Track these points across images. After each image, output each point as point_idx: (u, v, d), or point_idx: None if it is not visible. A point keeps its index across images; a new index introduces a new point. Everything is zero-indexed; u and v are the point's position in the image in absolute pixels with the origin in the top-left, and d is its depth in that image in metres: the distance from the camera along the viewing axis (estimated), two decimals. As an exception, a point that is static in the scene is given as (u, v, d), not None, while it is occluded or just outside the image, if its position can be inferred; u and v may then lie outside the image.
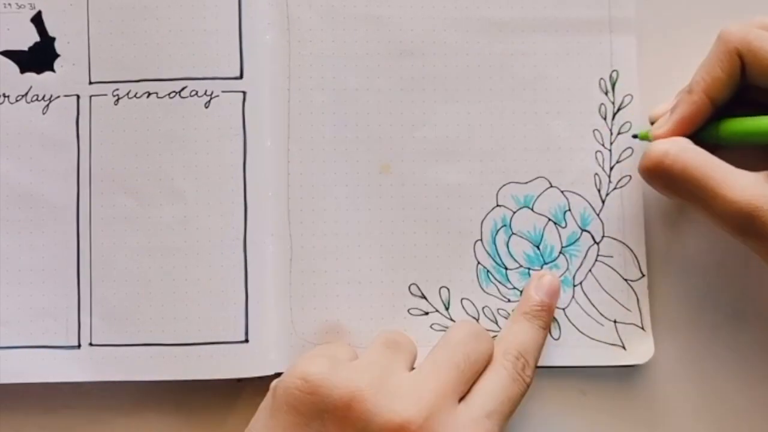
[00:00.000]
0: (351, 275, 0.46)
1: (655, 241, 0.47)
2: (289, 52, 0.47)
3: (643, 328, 0.46)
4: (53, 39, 0.47)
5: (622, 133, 0.47)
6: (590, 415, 0.47)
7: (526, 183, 0.47)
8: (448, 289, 0.46)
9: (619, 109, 0.47)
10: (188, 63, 0.46)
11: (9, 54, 0.47)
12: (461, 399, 0.41)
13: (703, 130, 0.43)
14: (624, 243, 0.47)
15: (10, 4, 0.47)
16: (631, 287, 0.46)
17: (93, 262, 0.46)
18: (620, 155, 0.47)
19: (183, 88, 0.46)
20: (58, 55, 0.47)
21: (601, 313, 0.46)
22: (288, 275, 0.46)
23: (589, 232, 0.47)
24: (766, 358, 0.47)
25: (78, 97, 0.46)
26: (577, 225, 0.47)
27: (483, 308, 0.46)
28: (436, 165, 0.47)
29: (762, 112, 0.42)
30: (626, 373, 0.47)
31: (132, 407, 0.46)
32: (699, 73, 0.43)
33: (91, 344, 0.45)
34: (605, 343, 0.46)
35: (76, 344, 0.45)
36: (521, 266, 0.47)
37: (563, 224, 0.47)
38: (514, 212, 0.47)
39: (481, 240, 0.47)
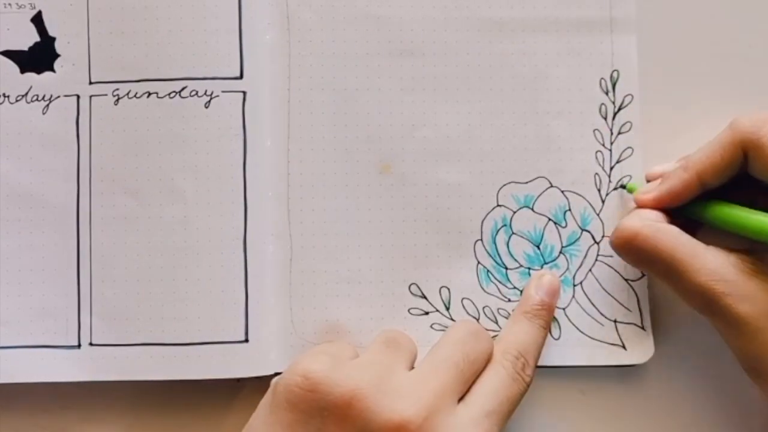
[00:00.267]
0: (351, 275, 0.46)
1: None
2: (289, 52, 0.47)
3: (643, 328, 0.46)
4: (53, 39, 0.47)
5: (623, 132, 0.47)
6: (590, 415, 0.47)
7: (527, 183, 0.47)
8: (449, 289, 0.46)
9: (619, 109, 0.47)
10: (188, 63, 0.46)
11: (9, 54, 0.47)
12: (461, 399, 0.41)
13: (689, 206, 0.44)
14: (624, 243, 0.46)
15: (10, 4, 0.47)
16: (631, 287, 0.46)
17: (93, 262, 0.46)
18: (620, 155, 0.47)
19: (183, 88, 0.46)
20: (58, 55, 0.47)
21: (601, 313, 0.46)
22: (288, 275, 0.46)
23: (589, 231, 0.47)
24: (767, 358, 0.47)
25: (78, 97, 0.46)
26: (578, 225, 0.47)
27: (483, 308, 0.46)
28: (436, 165, 0.47)
29: (759, 201, 0.43)
30: (626, 372, 0.47)
31: (132, 407, 0.46)
32: (699, 153, 0.43)
33: (91, 344, 0.45)
34: (605, 342, 0.46)
35: (76, 344, 0.45)
36: (521, 266, 0.47)
37: (563, 224, 0.47)
38: (515, 212, 0.47)
39: (481, 240, 0.47)
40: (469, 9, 0.47)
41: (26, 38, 0.47)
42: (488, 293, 0.46)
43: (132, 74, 0.46)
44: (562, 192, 0.47)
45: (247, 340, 0.45)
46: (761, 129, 0.41)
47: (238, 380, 0.46)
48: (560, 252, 0.47)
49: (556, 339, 0.46)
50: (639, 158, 0.47)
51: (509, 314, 0.46)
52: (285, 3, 0.47)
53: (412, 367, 0.43)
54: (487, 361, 0.42)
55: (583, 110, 0.47)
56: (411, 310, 0.46)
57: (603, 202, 0.47)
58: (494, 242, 0.47)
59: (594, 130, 0.47)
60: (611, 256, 0.46)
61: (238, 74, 0.46)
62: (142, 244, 0.46)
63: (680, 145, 0.46)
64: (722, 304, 0.41)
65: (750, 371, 0.42)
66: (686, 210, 0.44)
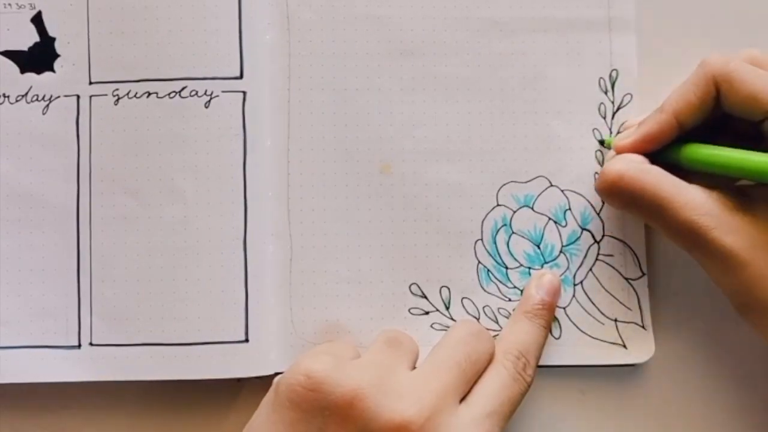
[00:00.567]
0: (351, 275, 0.46)
1: (656, 239, 0.47)
2: (289, 52, 0.47)
3: (643, 327, 0.46)
4: (53, 39, 0.47)
5: (622, 132, 0.47)
6: (590, 415, 0.47)
7: (527, 182, 0.47)
8: (449, 289, 0.46)
9: (618, 108, 0.47)
10: (188, 63, 0.46)
11: (9, 54, 0.47)
12: (462, 399, 0.41)
13: (665, 150, 0.44)
14: (624, 242, 0.47)
15: (10, 4, 0.47)
16: (632, 286, 0.46)
17: (93, 261, 0.46)
18: (620, 154, 0.47)
19: (183, 88, 0.46)
20: (58, 55, 0.47)
21: (601, 312, 0.46)
22: (288, 275, 0.46)
23: (589, 231, 0.47)
24: (766, 357, 0.47)
25: (78, 97, 0.46)
26: (578, 224, 0.47)
27: (484, 307, 0.46)
28: (436, 164, 0.47)
29: (741, 142, 0.43)
30: (626, 372, 0.47)
31: (132, 407, 0.46)
32: (672, 95, 0.43)
33: (91, 344, 0.45)
34: (606, 342, 0.46)
35: (76, 344, 0.45)
36: (522, 265, 0.47)
37: (564, 223, 0.47)
38: (515, 211, 0.47)
39: (481, 239, 0.47)
40: (468, 9, 0.47)
41: (26, 38, 0.47)
42: (488, 293, 0.46)
43: (132, 74, 0.46)
44: (562, 191, 0.47)
45: (247, 340, 0.45)
46: (729, 63, 0.42)
47: (238, 380, 0.46)
48: (560, 251, 0.47)
49: (556, 338, 0.46)
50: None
51: (510, 314, 0.46)
52: (285, 3, 0.47)
53: (414, 367, 0.43)
54: (489, 361, 0.42)
55: (583, 109, 0.47)
56: (411, 310, 0.46)
57: (603, 201, 0.47)
58: (494, 242, 0.47)
59: (593, 129, 0.47)
60: (611, 255, 0.46)
61: (238, 74, 0.46)
62: (142, 244, 0.46)
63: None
64: (709, 238, 0.41)
65: (740, 307, 0.43)
66: (665, 155, 0.44)
